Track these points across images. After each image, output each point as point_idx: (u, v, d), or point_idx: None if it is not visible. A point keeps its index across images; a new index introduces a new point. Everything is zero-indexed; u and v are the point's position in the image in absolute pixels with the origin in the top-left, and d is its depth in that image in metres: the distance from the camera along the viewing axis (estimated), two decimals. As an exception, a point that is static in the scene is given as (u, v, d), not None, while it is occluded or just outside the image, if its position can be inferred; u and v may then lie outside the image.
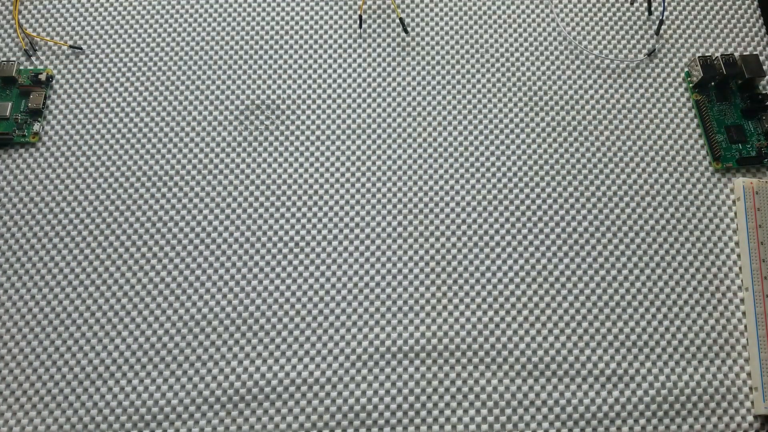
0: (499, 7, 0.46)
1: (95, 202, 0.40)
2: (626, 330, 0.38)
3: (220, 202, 0.40)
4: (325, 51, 0.45)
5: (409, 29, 0.45)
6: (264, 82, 0.44)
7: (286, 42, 0.45)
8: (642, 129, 0.43)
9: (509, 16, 0.46)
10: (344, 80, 0.44)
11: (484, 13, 0.46)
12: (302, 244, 0.39)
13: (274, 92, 0.43)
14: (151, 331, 0.37)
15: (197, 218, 0.40)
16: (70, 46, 0.44)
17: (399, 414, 0.35)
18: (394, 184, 0.41)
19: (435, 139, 0.42)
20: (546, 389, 0.36)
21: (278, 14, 0.46)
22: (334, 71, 0.44)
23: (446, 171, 0.41)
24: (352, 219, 0.40)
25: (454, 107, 0.43)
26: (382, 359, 0.37)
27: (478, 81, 0.44)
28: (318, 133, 0.42)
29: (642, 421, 0.36)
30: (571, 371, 0.37)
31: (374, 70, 0.44)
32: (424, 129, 0.43)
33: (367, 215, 0.40)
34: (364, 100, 0.43)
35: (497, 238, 0.40)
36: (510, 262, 0.39)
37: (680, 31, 0.46)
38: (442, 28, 0.46)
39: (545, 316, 0.38)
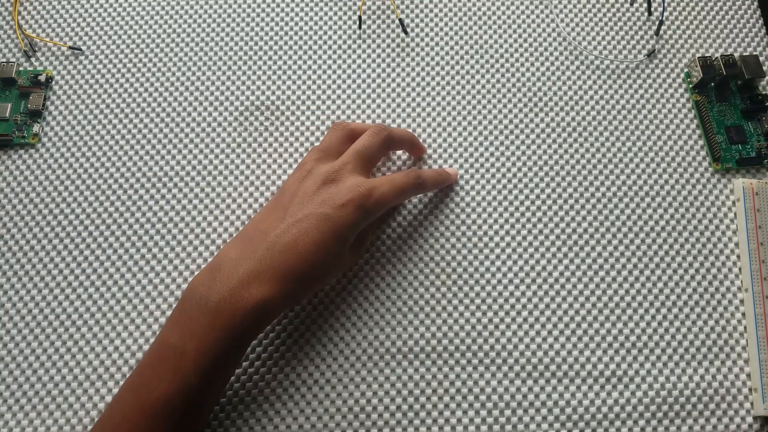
0: (498, 8, 0.46)
1: (95, 203, 0.40)
2: (626, 331, 0.38)
3: (220, 203, 0.40)
4: (325, 51, 0.45)
5: (408, 30, 0.45)
6: (264, 82, 0.44)
7: (286, 42, 0.45)
8: (642, 129, 0.43)
9: (509, 17, 0.46)
10: (344, 80, 0.44)
11: (484, 13, 0.46)
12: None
13: (273, 92, 0.43)
14: (151, 332, 0.37)
15: (197, 219, 0.40)
16: (70, 47, 0.44)
17: (399, 414, 0.35)
18: (394, 184, 0.41)
19: (435, 140, 0.42)
20: (545, 390, 0.36)
21: (278, 14, 0.46)
22: (334, 71, 0.44)
23: (446, 172, 0.41)
24: (351, 220, 0.40)
25: (454, 108, 0.43)
26: (381, 359, 0.37)
27: (478, 82, 0.44)
28: (318, 133, 0.42)
29: (642, 423, 0.36)
30: (571, 372, 0.37)
31: (374, 70, 0.44)
32: (424, 129, 0.42)
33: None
34: (364, 101, 0.43)
35: (497, 238, 0.40)
36: (510, 262, 0.39)
37: (680, 31, 0.46)
38: (441, 29, 0.46)
39: (545, 317, 0.38)
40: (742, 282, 0.39)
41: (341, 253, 0.33)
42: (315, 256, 0.32)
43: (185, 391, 0.29)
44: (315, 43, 0.45)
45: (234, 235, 0.39)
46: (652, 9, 0.46)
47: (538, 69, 0.44)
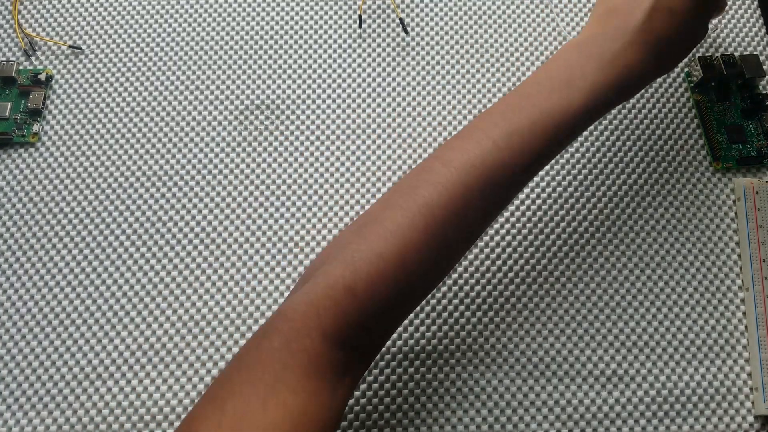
0: (499, 7, 0.46)
1: (95, 202, 0.40)
2: (626, 330, 0.38)
3: (220, 202, 0.40)
4: (325, 51, 0.45)
5: (408, 29, 0.45)
6: (264, 82, 0.44)
7: (286, 42, 0.45)
8: (642, 129, 0.43)
9: (509, 16, 0.46)
10: (344, 80, 0.44)
11: (484, 12, 0.46)
12: (302, 244, 0.39)
13: (274, 92, 0.43)
14: (151, 331, 0.37)
15: (197, 218, 0.40)
16: (70, 46, 0.44)
17: (399, 414, 0.35)
18: (394, 184, 0.41)
19: (435, 139, 0.42)
20: (546, 389, 0.36)
21: (278, 14, 0.46)
22: (334, 71, 0.44)
23: (446, 171, 0.41)
24: (351, 219, 0.40)
25: (454, 107, 0.43)
26: (382, 359, 0.36)
27: (478, 81, 0.44)
28: (318, 133, 0.42)
29: (642, 422, 0.36)
30: (572, 371, 0.37)
31: (374, 70, 0.44)
32: (424, 129, 0.42)
33: (367, 215, 0.40)
34: (364, 100, 0.43)
35: (497, 238, 0.40)
36: (510, 262, 0.39)
37: (680, 31, 0.46)
38: (441, 28, 0.46)
39: (545, 316, 0.38)
40: (742, 281, 0.39)
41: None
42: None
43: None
44: (315, 42, 0.45)
45: (233, 236, 0.39)
46: (652, 9, 0.46)
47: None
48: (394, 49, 0.45)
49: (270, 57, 0.44)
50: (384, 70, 0.44)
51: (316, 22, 0.46)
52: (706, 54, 0.45)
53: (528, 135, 0.30)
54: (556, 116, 0.30)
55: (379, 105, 0.43)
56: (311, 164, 0.41)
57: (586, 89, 0.30)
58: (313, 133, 0.42)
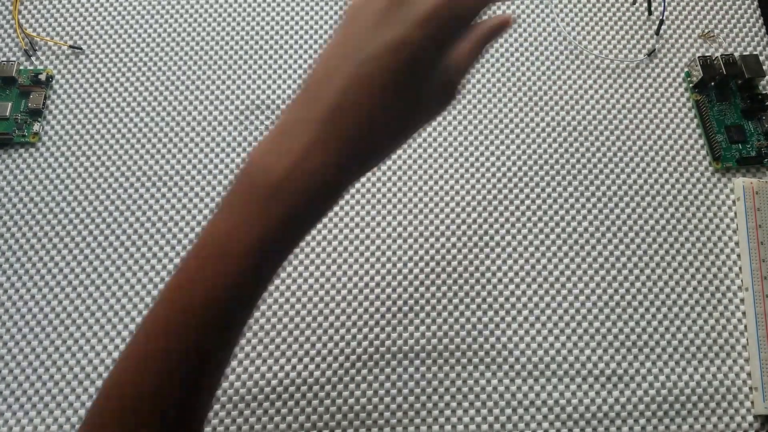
0: (499, 7, 0.46)
1: (95, 202, 0.40)
2: (626, 330, 0.38)
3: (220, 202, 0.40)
4: (325, 51, 0.45)
5: (409, 29, 0.45)
6: (264, 82, 0.44)
7: (286, 42, 0.45)
8: (642, 129, 0.43)
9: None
10: (344, 80, 0.44)
11: (484, 12, 0.46)
12: (302, 244, 0.39)
13: (274, 92, 0.43)
14: (151, 331, 0.37)
15: (197, 218, 0.40)
16: (70, 46, 0.44)
17: (399, 414, 0.35)
18: (394, 184, 0.41)
19: (435, 139, 0.42)
20: (546, 389, 0.36)
21: (278, 14, 0.46)
22: (334, 71, 0.44)
23: (446, 171, 0.41)
24: (352, 219, 0.40)
25: (454, 107, 0.43)
26: (382, 359, 0.37)
27: (478, 81, 0.44)
28: (318, 133, 0.42)
29: (642, 421, 0.36)
30: (571, 371, 0.37)
31: (374, 70, 0.44)
32: (424, 129, 0.42)
33: (367, 215, 0.40)
34: (364, 100, 0.43)
35: (497, 238, 0.40)
36: (510, 262, 0.39)
37: (680, 31, 0.46)
38: (442, 28, 0.45)
39: (545, 316, 0.38)
40: (742, 281, 0.39)
41: (424, 100, 0.25)
42: (389, 112, 0.24)
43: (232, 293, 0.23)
44: (315, 42, 0.45)
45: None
46: (652, 8, 0.46)
47: (538, 68, 0.44)
48: (394, 49, 0.45)
49: (270, 57, 0.44)
50: (384, 70, 0.44)
51: (316, 22, 0.46)
52: (707, 54, 0.45)
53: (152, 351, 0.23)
54: (197, 312, 0.22)
55: (379, 105, 0.43)
56: (311, 164, 0.41)
57: (247, 247, 0.23)
58: (313, 133, 0.42)
